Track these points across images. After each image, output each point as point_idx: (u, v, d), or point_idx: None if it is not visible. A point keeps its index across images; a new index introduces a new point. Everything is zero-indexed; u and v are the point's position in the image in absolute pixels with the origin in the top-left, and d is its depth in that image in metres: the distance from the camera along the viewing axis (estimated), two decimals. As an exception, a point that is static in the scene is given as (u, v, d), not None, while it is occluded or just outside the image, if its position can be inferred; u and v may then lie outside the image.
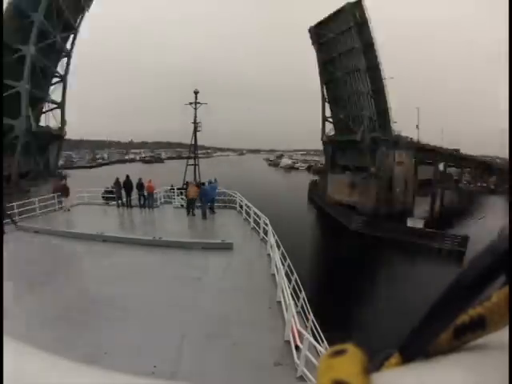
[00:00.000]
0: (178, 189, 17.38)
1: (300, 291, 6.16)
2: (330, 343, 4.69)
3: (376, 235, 24.24)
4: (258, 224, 9.51)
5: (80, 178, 36.63)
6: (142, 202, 13.82)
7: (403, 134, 34.97)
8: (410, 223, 25.51)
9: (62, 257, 7.30)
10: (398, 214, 29.22)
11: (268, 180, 63.25)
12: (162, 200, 15.71)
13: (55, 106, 27.73)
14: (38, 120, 25.64)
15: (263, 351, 3.98)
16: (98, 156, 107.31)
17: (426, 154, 36.86)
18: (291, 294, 5.48)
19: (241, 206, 12.21)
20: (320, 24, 35.84)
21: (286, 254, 7.21)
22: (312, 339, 3.65)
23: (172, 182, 18.67)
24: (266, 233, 8.57)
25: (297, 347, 3.94)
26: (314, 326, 5.39)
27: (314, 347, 3.75)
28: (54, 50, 25.88)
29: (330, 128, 37.88)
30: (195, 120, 21.68)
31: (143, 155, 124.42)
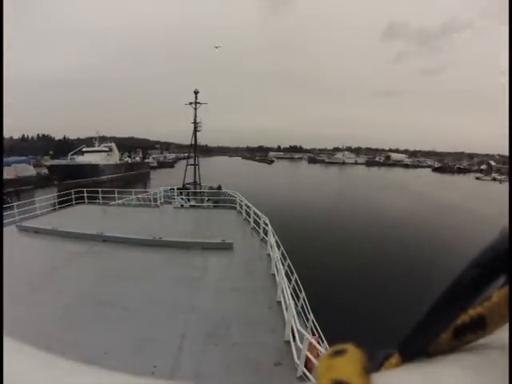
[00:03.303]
0: (178, 189, 17.41)
1: (300, 291, 6.16)
2: (330, 343, 4.69)
3: None
4: (258, 224, 9.51)
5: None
6: None
7: None
8: None
9: (61, 257, 7.30)
10: None
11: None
12: (162, 200, 15.72)
13: None
14: None
15: (263, 351, 3.98)
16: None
17: None
18: (291, 293, 5.48)
19: (241, 206, 12.22)
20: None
21: (286, 254, 7.21)
22: (312, 339, 3.64)
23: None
24: (266, 233, 8.57)
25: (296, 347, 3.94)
26: (314, 326, 5.39)
27: (314, 347, 3.75)
28: None
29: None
30: (195, 120, 21.72)
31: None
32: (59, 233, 8.90)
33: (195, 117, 21.63)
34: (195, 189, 20.05)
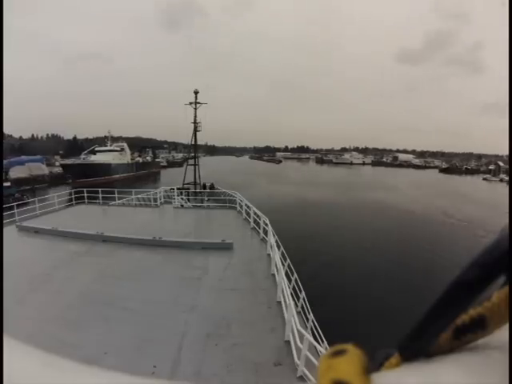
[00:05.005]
0: (178, 189, 17.43)
1: (300, 291, 6.16)
2: (330, 343, 4.69)
3: None
4: (258, 224, 9.51)
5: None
6: None
7: None
8: None
9: (61, 257, 7.30)
10: None
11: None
12: (162, 200, 15.71)
13: None
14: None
15: (263, 351, 3.98)
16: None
17: None
18: (291, 293, 5.48)
19: (241, 206, 12.22)
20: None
21: (286, 254, 7.21)
22: (312, 339, 3.64)
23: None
24: (266, 233, 8.57)
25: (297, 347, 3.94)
26: (314, 325, 5.39)
27: (314, 347, 3.75)
28: None
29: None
30: (195, 120, 21.78)
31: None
32: (59, 233, 8.90)
33: (195, 117, 21.73)
34: (195, 189, 20.08)
